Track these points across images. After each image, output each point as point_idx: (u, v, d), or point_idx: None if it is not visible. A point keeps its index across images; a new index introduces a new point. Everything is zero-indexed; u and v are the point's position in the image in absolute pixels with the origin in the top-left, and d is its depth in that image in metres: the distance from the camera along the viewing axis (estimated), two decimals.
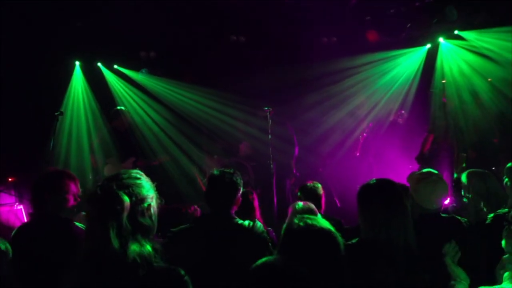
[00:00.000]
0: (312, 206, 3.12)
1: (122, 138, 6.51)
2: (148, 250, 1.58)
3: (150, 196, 1.69)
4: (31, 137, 6.30)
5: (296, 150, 6.84)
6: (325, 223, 1.88)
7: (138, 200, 1.64)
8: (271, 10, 6.60)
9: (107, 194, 1.58)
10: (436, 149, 6.22)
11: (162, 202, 1.75)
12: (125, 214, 1.57)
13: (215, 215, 2.75)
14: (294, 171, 6.74)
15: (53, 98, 6.92)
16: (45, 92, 6.70)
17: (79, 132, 7.18)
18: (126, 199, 1.59)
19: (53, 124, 5.28)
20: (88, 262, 1.56)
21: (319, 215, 3.02)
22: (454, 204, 3.94)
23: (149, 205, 1.67)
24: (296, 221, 1.88)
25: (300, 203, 3.11)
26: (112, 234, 1.52)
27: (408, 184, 3.08)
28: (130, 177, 1.68)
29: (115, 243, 1.52)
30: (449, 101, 6.72)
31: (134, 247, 1.55)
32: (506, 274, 1.89)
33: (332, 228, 1.86)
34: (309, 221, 1.86)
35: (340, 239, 1.85)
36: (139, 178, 1.70)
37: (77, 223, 2.79)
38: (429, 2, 6.72)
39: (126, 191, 1.62)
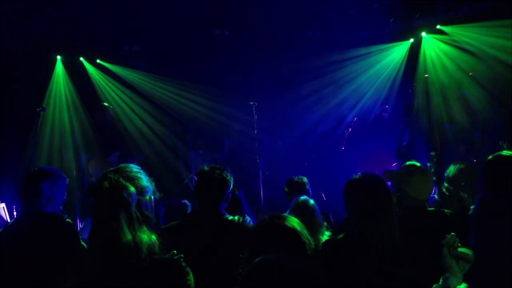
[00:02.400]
0: (310, 202, 3.01)
1: (105, 133, 6.43)
2: (154, 240, 1.62)
3: (150, 189, 1.75)
4: (12, 133, 6.16)
5: (265, 149, 6.88)
6: (293, 221, 1.85)
7: (142, 192, 1.69)
8: (256, 4, 6.58)
9: (116, 185, 1.61)
10: (414, 145, 6.26)
11: (160, 196, 1.78)
12: (134, 204, 1.61)
13: (205, 212, 2.74)
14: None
15: (34, 94, 6.78)
16: (26, 88, 6.55)
17: (62, 128, 7.06)
18: (133, 190, 1.63)
19: (34, 120, 5.17)
20: (99, 253, 1.58)
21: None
22: (435, 196, 4.00)
23: (150, 197, 1.73)
24: (265, 218, 1.87)
25: (300, 198, 3.05)
26: (124, 224, 1.56)
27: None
28: (132, 171, 1.73)
29: (127, 233, 1.55)
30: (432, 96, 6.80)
31: (145, 237, 1.59)
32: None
33: (298, 227, 1.83)
34: (276, 219, 1.85)
35: (305, 238, 1.82)
36: (139, 172, 1.75)
37: (67, 219, 2.78)
38: None
39: (131, 182, 1.66)
